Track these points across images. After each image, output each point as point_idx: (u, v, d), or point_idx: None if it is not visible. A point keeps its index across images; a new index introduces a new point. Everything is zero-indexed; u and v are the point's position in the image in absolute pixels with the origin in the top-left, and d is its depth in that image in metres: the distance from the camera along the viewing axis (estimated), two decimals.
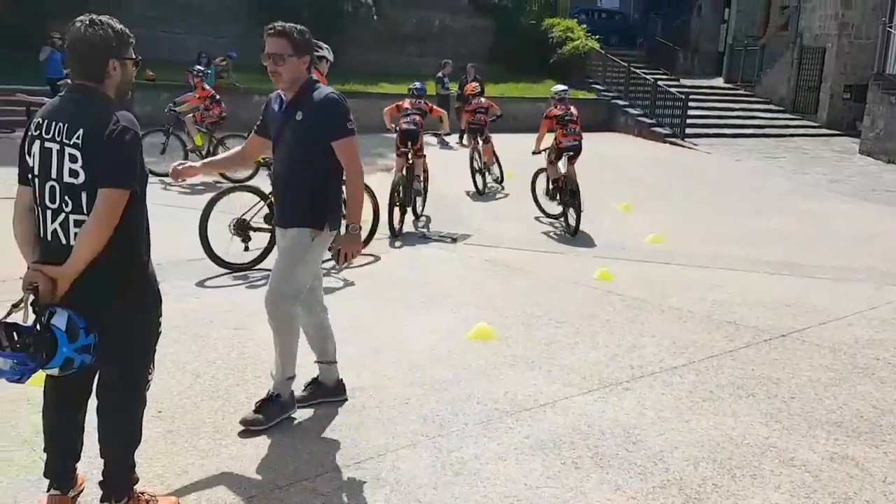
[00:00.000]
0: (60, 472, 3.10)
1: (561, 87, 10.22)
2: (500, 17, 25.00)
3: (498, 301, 6.40)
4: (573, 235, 9.22)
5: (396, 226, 8.81)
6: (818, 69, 22.43)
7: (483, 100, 13.16)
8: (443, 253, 8.09)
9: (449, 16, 24.69)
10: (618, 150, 18.51)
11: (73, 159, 2.76)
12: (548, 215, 10.24)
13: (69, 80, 3.03)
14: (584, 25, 25.72)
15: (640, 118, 21.98)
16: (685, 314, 6.24)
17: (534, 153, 9.80)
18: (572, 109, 9.83)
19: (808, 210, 11.75)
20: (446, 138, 17.83)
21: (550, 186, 9.82)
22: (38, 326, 2.73)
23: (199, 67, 13.84)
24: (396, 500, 3.38)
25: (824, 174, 15.82)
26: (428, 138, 12.56)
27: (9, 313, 2.83)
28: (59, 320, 2.76)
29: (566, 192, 9.43)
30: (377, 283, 6.87)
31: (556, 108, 9.72)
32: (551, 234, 9.46)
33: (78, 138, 2.74)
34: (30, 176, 2.86)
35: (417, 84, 10.41)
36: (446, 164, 14.89)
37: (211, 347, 5.09)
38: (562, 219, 9.74)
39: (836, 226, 10.63)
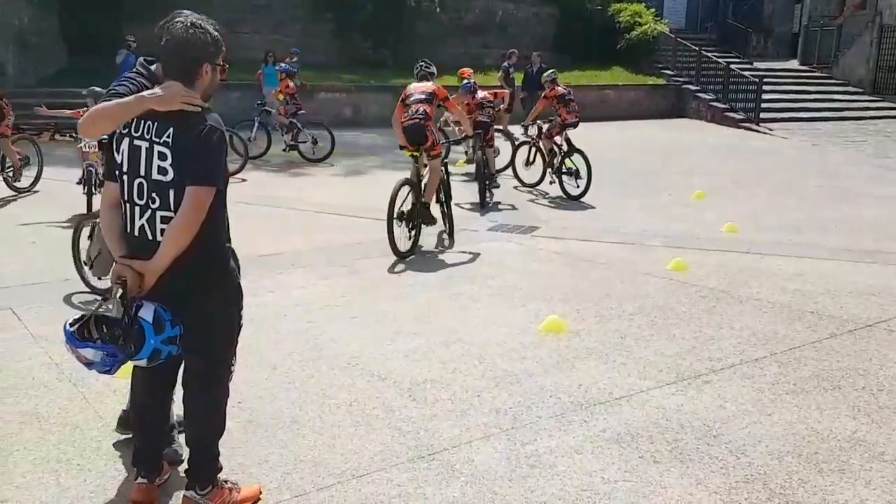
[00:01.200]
0: (148, 460, 3.20)
1: (550, 71, 11.61)
2: (564, 3, 24.62)
3: (568, 293, 6.32)
4: (582, 196, 10.44)
5: (400, 246, 7.28)
6: None
7: (486, 93, 11.26)
8: (510, 245, 8.03)
9: (512, 4, 24.45)
10: (690, 136, 18.10)
11: (162, 157, 2.83)
12: (524, 184, 11.49)
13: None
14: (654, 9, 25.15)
15: (712, 103, 21.43)
16: (765, 305, 6.05)
17: (524, 125, 11.62)
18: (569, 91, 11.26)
19: (891, 196, 11.23)
20: (510, 128, 17.73)
21: (548, 158, 11.06)
22: (126, 319, 2.82)
23: (282, 65, 14.82)
24: (472, 492, 3.37)
25: None
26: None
27: (98, 306, 2.93)
28: (146, 313, 2.84)
29: (563, 161, 10.69)
30: (444, 276, 6.87)
31: (554, 89, 10.98)
32: (622, 224, 9.29)
33: (168, 137, 2.82)
34: (117, 172, 2.94)
35: (423, 63, 8.51)
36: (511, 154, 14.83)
37: (285, 340, 5.18)
38: (539, 186, 11.24)
39: None
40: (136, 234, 2.92)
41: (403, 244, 7.38)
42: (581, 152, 10.51)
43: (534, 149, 11.52)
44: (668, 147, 16.35)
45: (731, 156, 15.17)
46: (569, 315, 5.72)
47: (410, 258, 7.41)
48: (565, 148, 10.70)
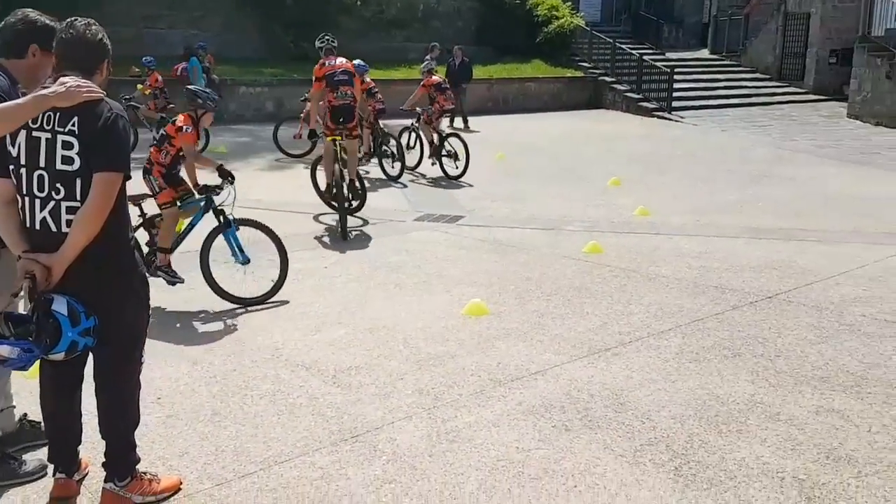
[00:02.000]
0: (65, 456, 3.19)
1: (425, 63, 12.54)
2: None
3: (491, 278, 6.49)
4: (461, 177, 11.23)
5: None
6: (803, 35, 22.49)
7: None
8: (436, 234, 8.17)
9: None
10: (605, 126, 18.59)
11: (67, 146, 2.83)
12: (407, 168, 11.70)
13: None
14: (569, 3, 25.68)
15: (627, 94, 22.03)
16: (672, 282, 6.35)
17: (402, 109, 12.14)
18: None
19: (795, 176, 11.84)
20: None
21: (430, 141, 11.75)
22: (37, 314, 2.81)
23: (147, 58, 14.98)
24: (393, 469, 3.49)
25: (812, 140, 15.91)
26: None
27: (8, 304, 2.91)
28: (60, 306, 2.83)
29: (441, 144, 11.55)
30: (369, 266, 6.95)
31: (431, 78, 11.96)
32: (542, 211, 9.54)
33: (73, 126, 2.82)
34: (11, 167, 2.91)
35: (328, 37, 8.66)
36: None
37: (207, 335, 5.18)
38: (417, 168, 11.88)
39: (824, 190, 10.73)
40: (38, 227, 2.90)
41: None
42: (458, 136, 11.68)
43: (414, 134, 12.40)
44: (585, 137, 16.78)
45: (645, 144, 15.68)
46: (490, 298, 5.88)
47: (339, 249, 7.47)
48: (445, 132, 11.90)
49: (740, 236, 7.98)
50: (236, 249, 5.90)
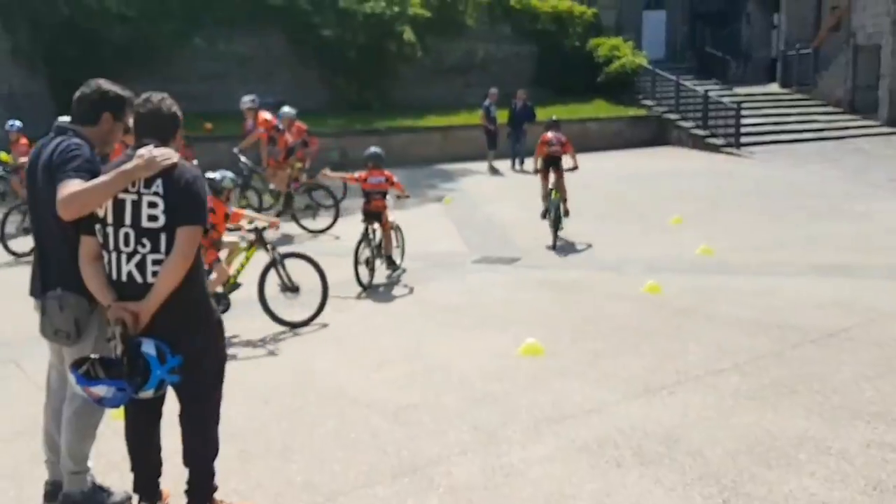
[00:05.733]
0: (148, 487, 3.50)
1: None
2: (543, 42, 25.32)
3: (547, 318, 6.63)
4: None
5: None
6: (875, 68, 22.04)
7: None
8: (493, 276, 8.36)
9: (493, 45, 25.08)
10: (670, 164, 18.53)
11: (152, 206, 3.17)
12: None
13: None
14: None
15: (692, 131, 21.91)
16: (732, 320, 6.36)
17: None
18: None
19: (865, 212, 11.59)
20: (495, 164, 18.21)
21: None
22: (128, 356, 3.11)
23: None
24: (450, 501, 3.66)
25: (885, 173, 15.52)
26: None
27: (113, 349, 3.19)
28: (149, 347, 3.14)
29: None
30: (427, 308, 7.18)
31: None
32: (601, 252, 9.62)
33: (157, 187, 3.17)
34: (97, 227, 3.24)
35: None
36: (497, 189, 15.26)
37: (276, 374, 5.48)
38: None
39: (895, 225, 10.49)
40: (125, 279, 3.21)
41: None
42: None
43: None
44: (648, 176, 16.77)
45: (711, 181, 15.58)
46: (546, 338, 6.01)
47: (400, 292, 7.73)
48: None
49: (805, 274, 7.91)
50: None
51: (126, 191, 3.18)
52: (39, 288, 3.47)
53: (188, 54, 19.99)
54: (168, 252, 3.16)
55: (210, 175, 6.62)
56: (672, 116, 22.93)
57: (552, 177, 10.47)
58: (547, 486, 3.73)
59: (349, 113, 20.83)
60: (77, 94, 3.57)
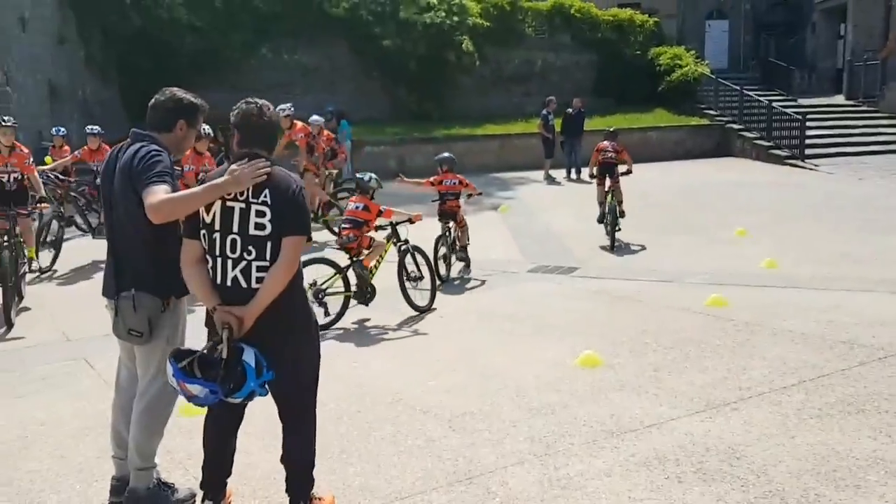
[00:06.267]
0: (215, 486, 3.57)
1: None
2: (604, 50, 25.12)
3: (605, 329, 6.56)
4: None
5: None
6: None
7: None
8: (550, 285, 8.31)
9: (552, 54, 25.00)
10: (733, 175, 18.16)
11: (260, 214, 3.25)
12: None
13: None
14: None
15: (756, 141, 21.46)
16: (797, 336, 6.19)
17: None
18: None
19: None
20: (552, 172, 18.11)
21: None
22: (227, 361, 3.18)
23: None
24: None
25: None
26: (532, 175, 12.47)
27: (204, 348, 3.26)
28: (249, 357, 3.21)
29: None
30: (483, 316, 7.17)
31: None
32: (662, 263, 9.48)
33: (265, 197, 3.25)
34: (204, 232, 3.31)
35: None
36: (553, 198, 15.18)
37: (333, 378, 5.52)
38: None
39: None
40: (229, 284, 3.29)
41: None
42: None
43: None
44: (710, 186, 16.46)
45: (775, 193, 15.21)
46: (605, 350, 5.95)
47: (456, 299, 7.75)
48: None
49: (874, 289, 7.65)
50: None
51: (234, 199, 3.26)
52: (113, 288, 3.59)
53: (255, 64, 20.48)
54: (272, 260, 3.25)
55: (358, 175, 7.70)
56: (735, 127, 22.50)
57: (607, 182, 10.76)
58: (605, 501, 3.68)
59: (409, 122, 21.02)
60: (152, 101, 3.67)
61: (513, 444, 4.35)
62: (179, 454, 4.32)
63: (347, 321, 7.08)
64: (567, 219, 12.39)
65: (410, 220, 7.43)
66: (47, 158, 11.97)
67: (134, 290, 3.48)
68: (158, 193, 3.29)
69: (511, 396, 5.08)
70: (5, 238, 7.50)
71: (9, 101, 14.65)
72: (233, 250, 3.28)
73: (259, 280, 3.25)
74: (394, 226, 7.44)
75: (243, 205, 3.26)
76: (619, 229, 10.36)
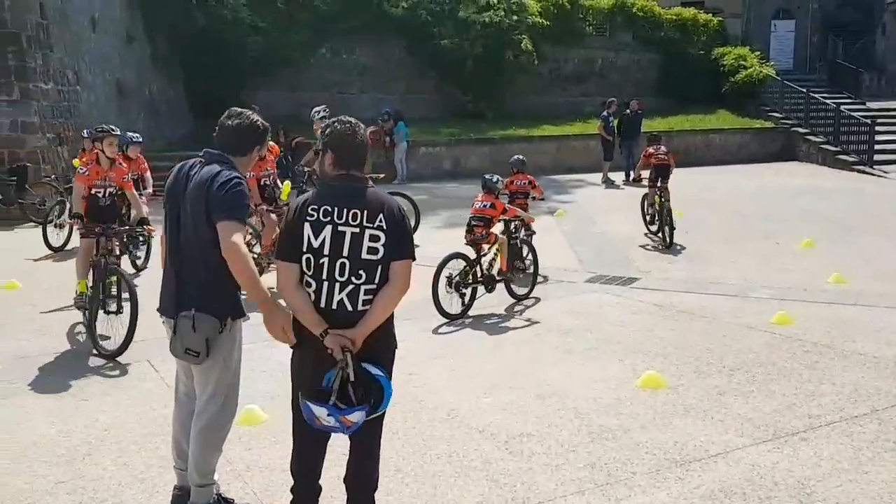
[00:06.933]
0: (307, 501, 3.55)
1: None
2: (666, 49, 24.63)
3: (667, 347, 6.39)
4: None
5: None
6: None
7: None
8: (608, 297, 8.15)
9: (612, 53, 24.63)
10: (798, 181, 17.64)
11: (374, 239, 3.24)
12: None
13: None
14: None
15: (823, 146, 20.83)
16: (869, 360, 5.94)
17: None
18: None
19: None
20: (612, 176, 17.82)
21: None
22: (358, 380, 3.20)
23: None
24: None
25: None
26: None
27: (345, 376, 3.24)
28: (375, 370, 3.25)
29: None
30: (539, 329, 7.06)
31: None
32: (725, 275, 9.22)
33: (381, 221, 3.25)
34: (310, 256, 3.26)
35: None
36: (611, 202, 14.93)
37: None
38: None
39: None
40: (335, 307, 3.27)
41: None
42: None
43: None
44: (775, 192, 16.00)
45: (843, 201, 14.70)
46: (667, 370, 5.80)
47: (510, 311, 7.67)
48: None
49: None
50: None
51: (346, 223, 3.24)
52: (173, 307, 3.60)
53: (313, 64, 20.64)
54: (380, 283, 3.26)
55: (486, 176, 8.15)
56: (801, 130, 21.85)
57: (659, 183, 11.10)
58: None
59: (463, 121, 20.91)
60: (226, 123, 3.64)
61: (572, 471, 4.25)
62: (238, 465, 4.34)
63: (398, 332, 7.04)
64: (625, 225, 12.16)
65: (525, 220, 8.47)
66: (75, 161, 11.67)
67: (194, 311, 3.49)
68: (237, 239, 3.37)
69: (570, 418, 4.97)
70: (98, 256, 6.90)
71: (79, 101, 15.06)
72: (341, 274, 3.27)
73: (365, 303, 3.26)
74: (506, 223, 8.15)
75: (356, 229, 3.24)
76: (675, 228, 10.71)
